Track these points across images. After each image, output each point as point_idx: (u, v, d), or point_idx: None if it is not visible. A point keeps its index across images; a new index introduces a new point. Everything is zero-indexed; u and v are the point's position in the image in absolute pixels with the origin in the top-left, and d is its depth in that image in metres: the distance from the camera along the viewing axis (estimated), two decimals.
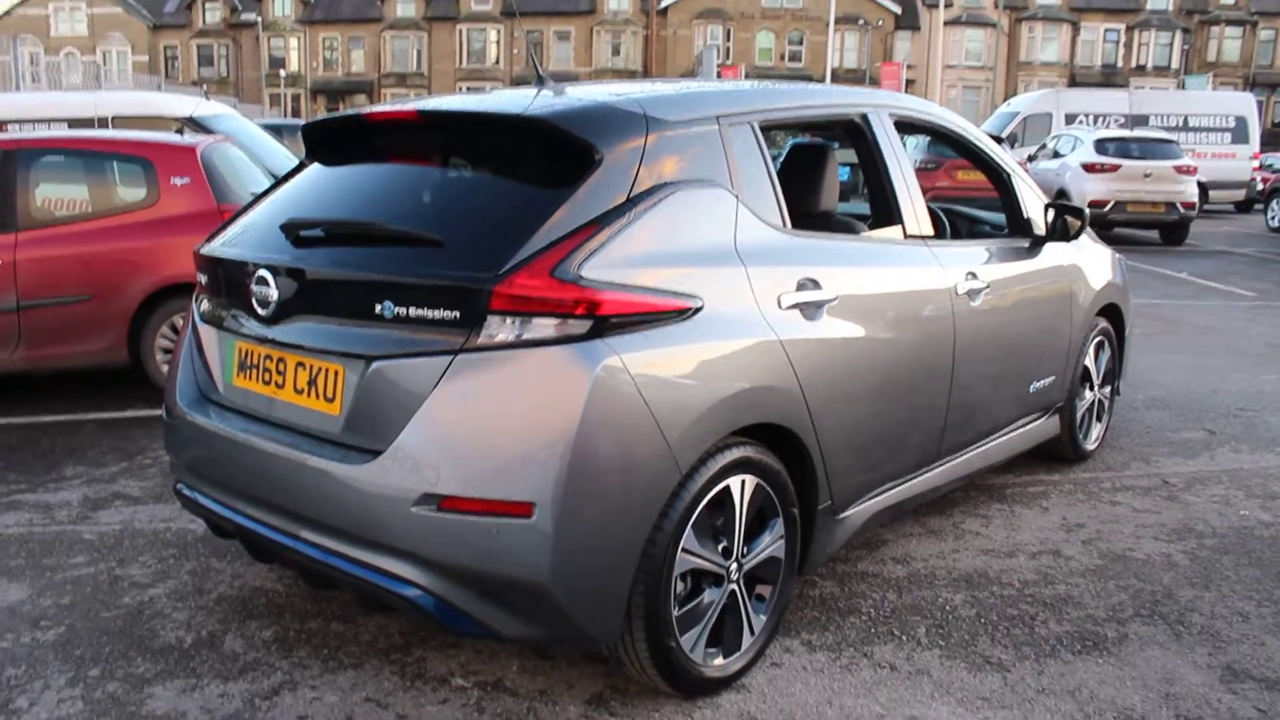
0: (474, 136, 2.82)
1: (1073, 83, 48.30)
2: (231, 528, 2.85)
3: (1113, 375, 5.03)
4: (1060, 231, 4.27)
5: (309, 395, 2.59)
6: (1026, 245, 4.19)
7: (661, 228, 2.56)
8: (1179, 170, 14.68)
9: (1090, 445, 4.90)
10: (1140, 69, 52.17)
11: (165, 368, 5.80)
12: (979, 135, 4.18)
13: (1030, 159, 16.98)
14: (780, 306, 2.80)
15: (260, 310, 2.67)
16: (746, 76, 40.33)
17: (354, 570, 2.47)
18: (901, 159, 3.53)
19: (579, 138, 2.55)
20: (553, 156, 2.59)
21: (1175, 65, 51.82)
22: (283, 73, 54.63)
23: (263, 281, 2.64)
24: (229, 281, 2.86)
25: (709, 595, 2.70)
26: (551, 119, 2.59)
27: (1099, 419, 4.96)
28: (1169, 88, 41.49)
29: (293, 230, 2.70)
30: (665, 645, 2.57)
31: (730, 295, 2.66)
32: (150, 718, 2.66)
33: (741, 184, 2.84)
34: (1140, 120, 21.05)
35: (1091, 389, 4.81)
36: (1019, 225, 4.26)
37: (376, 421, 2.42)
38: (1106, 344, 4.90)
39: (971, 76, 53.11)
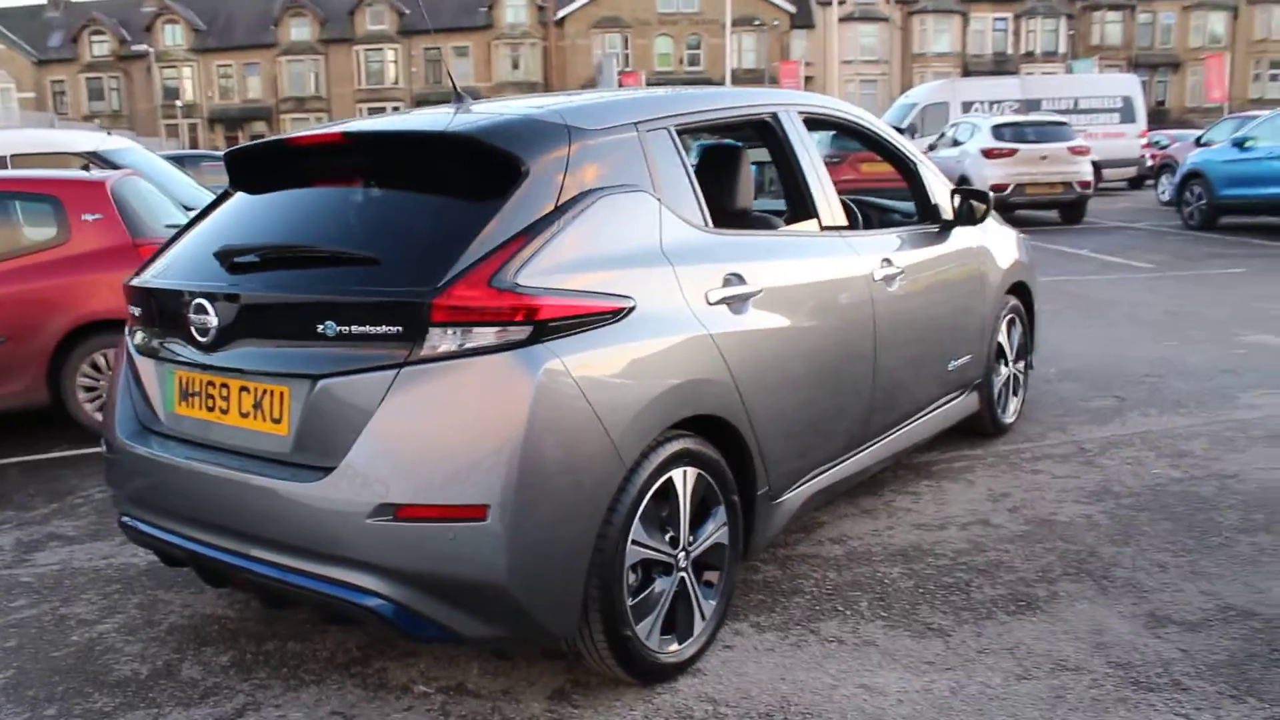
0: (400, 156, 2.87)
1: (966, 72, 49.65)
2: (183, 554, 2.86)
3: (1025, 350, 5.26)
4: (966, 215, 4.46)
5: (255, 418, 2.62)
6: (936, 230, 4.37)
7: (590, 233, 2.65)
8: (1073, 151, 15.24)
9: (1009, 419, 5.11)
10: (1029, 55, 53.88)
11: (88, 406, 5.70)
12: (883, 127, 4.35)
13: (931, 148, 17.45)
14: (708, 302, 2.90)
15: (200, 338, 2.69)
16: (647, 83, 40.63)
17: (312, 585, 2.50)
18: (813, 154, 3.67)
19: (504, 151, 2.62)
20: (480, 171, 2.66)
21: (1062, 50, 53.64)
22: (178, 103, 53.43)
23: (200, 309, 2.66)
24: (164, 312, 2.87)
25: (660, 584, 2.79)
26: (476, 134, 2.66)
27: (1015, 393, 5.18)
28: (1057, 73, 42.89)
29: (227, 257, 2.73)
30: (622, 635, 2.65)
31: (660, 294, 2.76)
32: None
33: (663, 186, 2.94)
34: (1033, 105, 21.77)
35: (1006, 364, 5.02)
36: (927, 211, 4.44)
37: (326, 438, 2.46)
38: (1018, 321, 5.12)
39: (868, 71, 54.27)
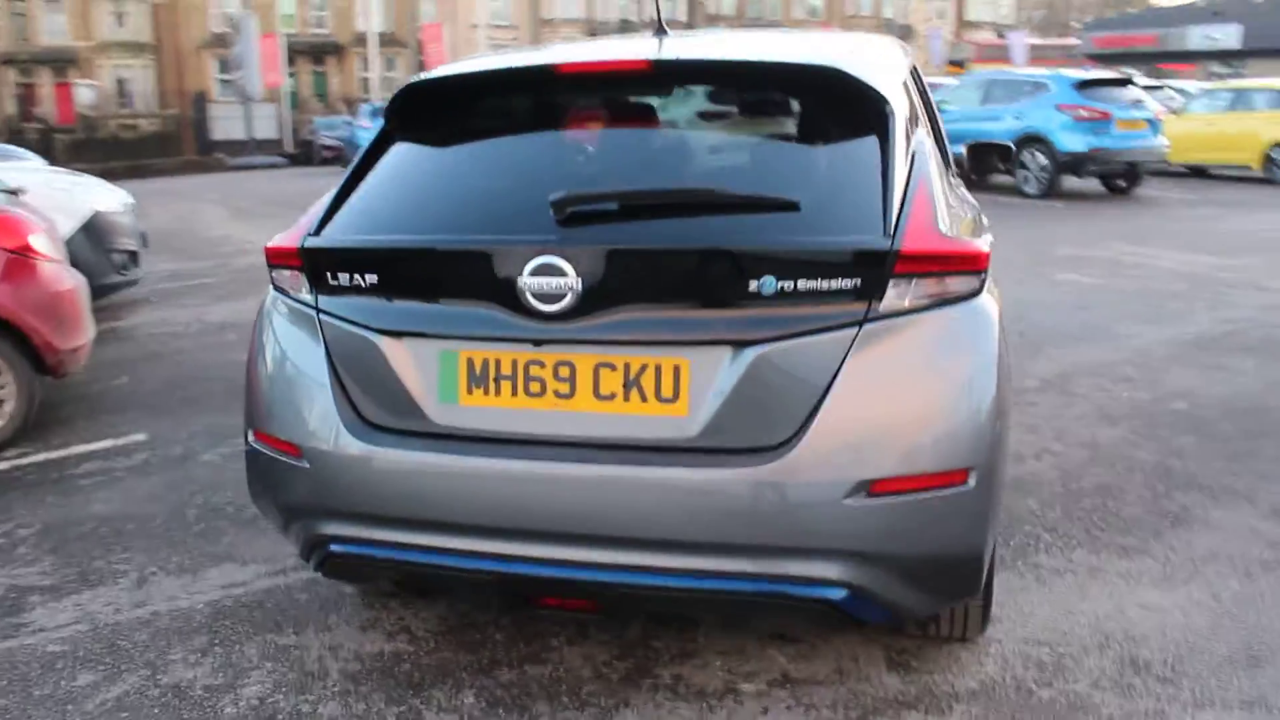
0: (730, 88, 2.51)
1: (592, 36, 51.07)
2: (484, 578, 2.34)
3: None
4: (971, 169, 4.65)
5: (627, 399, 2.19)
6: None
7: (937, 176, 2.48)
8: None
9: None
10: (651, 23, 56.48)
11: None
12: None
13: None
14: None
15: (542, 306, 2.17)
16: (289, 49, 38.02)
17: (740, 586, 2.15)
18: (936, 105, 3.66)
19: (873, 89, 2.38)
20: (847, 108, 2.38)
21: (683, 18, 56.78)
22: None
23: (549, 270, 2.15)
24: (447, 276, 2.30)
25: None
26: (848, 70, 2.37)
27: None
28: None
29: (563, 207, 2.22)
30: (990, 589, 2.56)
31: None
32: None
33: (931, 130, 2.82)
34: None
35: None
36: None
37: (761, 415, 2.12)
38: None
39: (499, 35, 54.08)
